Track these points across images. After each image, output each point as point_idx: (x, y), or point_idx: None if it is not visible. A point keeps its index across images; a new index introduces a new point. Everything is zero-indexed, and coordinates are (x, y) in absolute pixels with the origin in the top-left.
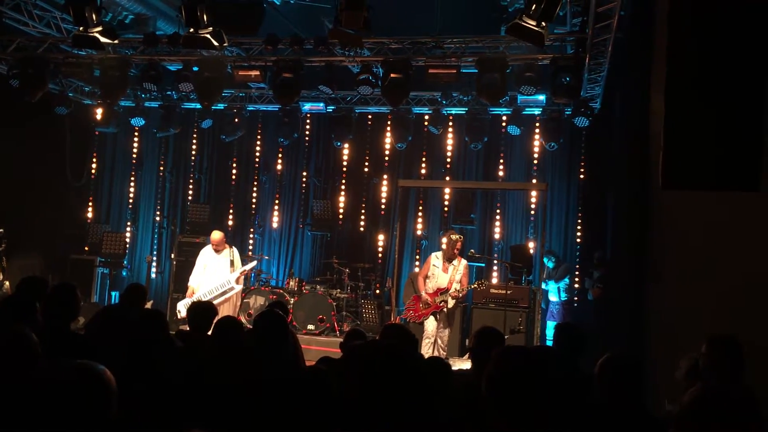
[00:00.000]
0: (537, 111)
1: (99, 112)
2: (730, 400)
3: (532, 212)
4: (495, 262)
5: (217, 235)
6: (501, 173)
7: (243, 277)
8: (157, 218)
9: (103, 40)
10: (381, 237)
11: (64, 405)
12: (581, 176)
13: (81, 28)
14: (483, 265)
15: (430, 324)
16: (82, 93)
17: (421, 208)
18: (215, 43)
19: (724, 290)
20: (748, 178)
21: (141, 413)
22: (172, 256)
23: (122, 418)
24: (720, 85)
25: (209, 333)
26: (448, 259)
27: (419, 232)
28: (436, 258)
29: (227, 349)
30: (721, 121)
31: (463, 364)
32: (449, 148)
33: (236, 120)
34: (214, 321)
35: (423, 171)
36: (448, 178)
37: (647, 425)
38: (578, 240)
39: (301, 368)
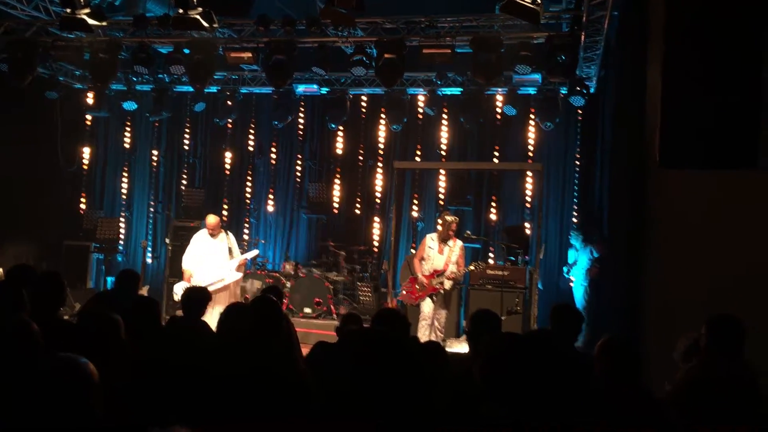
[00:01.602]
0: (532, 90)
1: (90, 97)
2: (727, 376)
3: (528, 193)
4: (491, 243)
5: (212, 219)
6: (497, 154)
7: (243, 265)
8: (152, 203)
9: (91, 22)
10: (377, 219)
11: (45, 398)
12: (577, 156)
13: (68, 10)
14: (479, 246)
15: (427, 306)
16: (72, 77)
17: (416, 190)
18: (205, 24)
19: (722, 270)
20: (745, 155)
21: (128, 406)
22: (167, 240)
23: (108, 411)
24: (717, 63)
25: (203, 318)
26: (444, 240)
27: (415, 215)
28: (431, 240)
29: (229, 336)
30: (718, 99)
31: (460, 345)
32: (444, 129)
33: (229, 103)
34: (210, 306)
35: (418, 153)
36: (443, 161)
37: (647, 405)
38: (574, 220)
39: (292, 356)
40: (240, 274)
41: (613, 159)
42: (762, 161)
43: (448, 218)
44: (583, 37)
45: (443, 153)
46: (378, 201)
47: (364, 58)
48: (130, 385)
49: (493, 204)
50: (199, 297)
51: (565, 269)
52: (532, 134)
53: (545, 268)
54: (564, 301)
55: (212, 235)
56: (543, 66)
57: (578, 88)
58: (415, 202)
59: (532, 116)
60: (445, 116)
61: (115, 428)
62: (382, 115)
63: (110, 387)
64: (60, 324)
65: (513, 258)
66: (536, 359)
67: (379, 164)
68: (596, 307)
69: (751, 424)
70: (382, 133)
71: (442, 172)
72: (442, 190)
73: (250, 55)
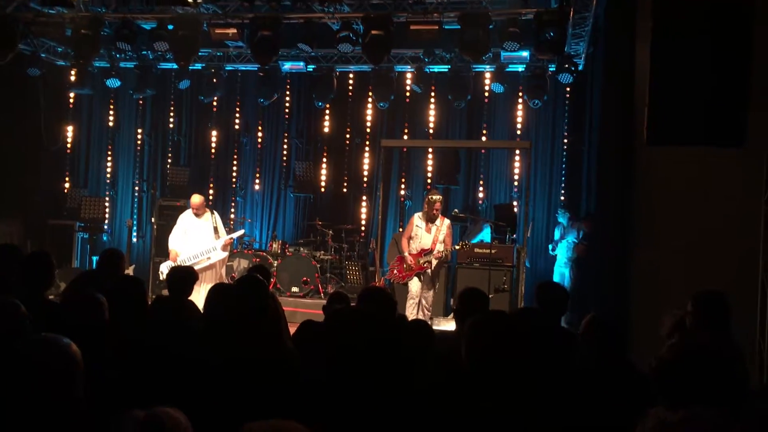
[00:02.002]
0: (520, 68)
1: (73, 74)
2: (712, 350)
3: (516, 171)
4: (479, 221)
5: (196, 199)
6: (485, 132)
7: (229, 245)
8: (137, 182)
9: None
10: (364, 198)
11: (26, 379)
12: (565, 134)
13: None
14: (467, 224)
15: (414, 285)
16: (54, 54)
17: (404, 168)
18: (189, 0)
19: (709, 247)
20: (733, 134)
21: (111, 388)
22: (153, 219)
23: (90, 393)
24: (707, 41)
25: (189, 298)
26: (430, 219)
27: (403, 193)
28: (418, 218)
29: (215, 318)
30: (707, 76)
31: (448, 324)
32: (432, 107)
33: (214, 80)
34: (197, 285)
35: (406, 131)
36: (431, 139)
37: (634, 382)
38: (562, 198)
39: (281, 337)
40: (226, 254)
41: (601, 136)
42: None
43: (432, 197)
44: (571, 12)
45: (431, 131)
46: (365, 179)
47: (351, 35)
48: (114, 366)
49: (481, 182)
50: (185, 276)
51: (550, 246)
52: (520, 112)
53: (533, 246)
54: (549, 279)
55: (197, 215)
56: (531, 43)
57: (566, 66)
58: (403, 180)
59: (520, 94)
60: (432, 94)
61: (96, 410)
62: (370, 93)
63: (93, 368)
64: (47, 304)
65: (499, 236)
66: (522, 339)
67: (367, 143)
68: (582, 285)
69: (736, 400)
70: (369, 111)
71: (430, 150)
72: (429, 168)
73: (235, 31)
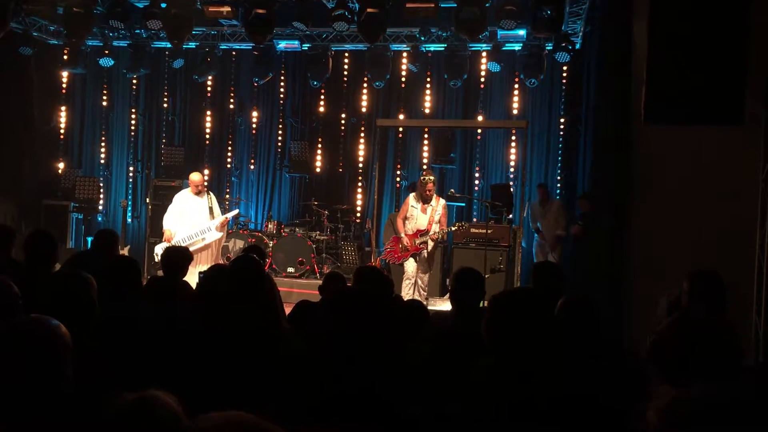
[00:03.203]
0: (517, 46)
1: (65, 53)
2: (707, 327)
3: (512, 151)
4: (475, 201)
5: (196, 176)
6: (481, 112)
7: (225, 225)
8: (131, 162)
9: None
10: (360, 178)
11: (12, 361)
12: (562, 113)
13: None
14: (463, 204)
15: (410, 265)
16: (47, 32)
17: (400, 148)
18: None
19: (706, 226)
20: (731, 112)
21: (102, 370)
22: (148, 200)
23: (82, 375)
24: (704, 20)
25: (184, 279)
26: (424, 200)
27: (398, 173)
28: (413, 199)
29: (209, 297)
30: (705, 54)
31: (443, 304)
32: (428, 87)
33: (208, 59)
34: (192, 266)
35: (401, 111)
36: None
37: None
38: (559, 178)
39: (276, 316)
40: (221, 234)
41: (597, 115)
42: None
43: (424, 179)
44: None
45: (427, 110)
46: (361, 160)
47: (346, 13)
48: (107, 347)
49: (477, 162)
50: (180, 257)
51: (539, 224)
52: (516, 91)
53: (529, 227)
54: (546, 260)
55: (197, 194)
56: (528, 21)
57: (563, 44)
58: (399, 160)
59: (516, 73)
60: (428, 73)
61: (86, 391)
62: (365, 73)
63: (83, 350)
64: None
65: (496, 216)
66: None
67: (362, 122)
68: (578, 266)
69: (733, 376)
70: (365, 91)
71: (426, 129)
72: (425, 148)
73: (229, 9)
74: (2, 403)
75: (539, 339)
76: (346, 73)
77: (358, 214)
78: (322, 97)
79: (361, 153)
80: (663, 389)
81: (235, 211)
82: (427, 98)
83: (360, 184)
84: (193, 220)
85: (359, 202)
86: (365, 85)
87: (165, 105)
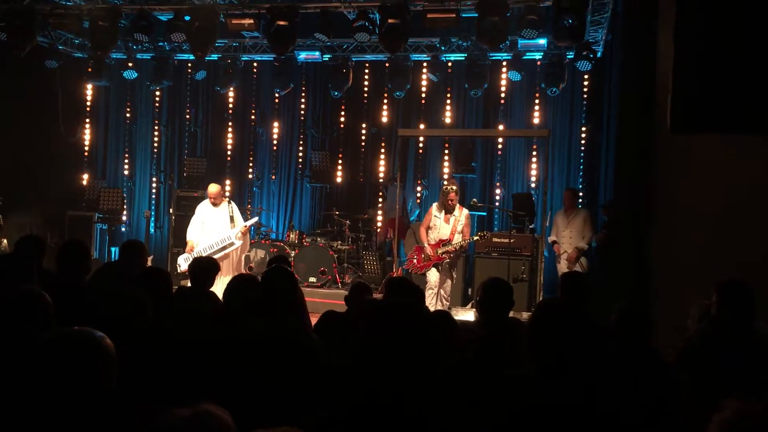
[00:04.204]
0: (538, 55)
1: (90, 65)
2: (737, 335)
3: (534, 160)
4: (496, 211)
5: (213, 188)
6: (502, 121)
7: (246, 233)
8: (154, 173)
9: None
10: (380, 189)
11: (59, 374)
12: (583, 122)
13: None
14: (485, 214)
15: (433, 275)
16: (72, 45)
17: (421, 158)
18: None
19: (731, 236)
20: (758, 121)
21: (142, 380)
22: (171, 210)
23: (122, 387)
24: (731, 26)
25: (211, 288)
26: (447, 210)
27: (419, 183)
28: (436, 209)
29: (239, 306)
30: (731, 62)
31: (466, 313)
32: (448, 96)
33: (230, 71)
34: (217, 276)
35: (422, 120)
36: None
37: (661, 371)
38: (581, 187)
39: (306, 325)
40: (241, 242)
41: (619, 124)
42: None
43: (446, 188)
44: None
45: (447, 120)
46: (382, 170)
47: (367, 24)
48: (144, 358)
49: (498, 172)
50: (208, 267)
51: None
52: (537, 100)
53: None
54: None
55: (214, 204)
56: (550, 30)
57: (585, 53)
58: (419, 170)
59: (537, 82)
60: (449, 84)
61: (128, 404)
62: (386, 83)
63: (127, 362)
64: (88, 292)
65: (518, 225)
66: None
67: (383, 133)
68: (602, 275)
69: (761, 386)
70: (385, 101)
71: (447, 141)
72: (446, 158)
73: (251, 21)
74: (48, 414)
75: (586, 351)
76: (366, 83)
77: (379, 224)
78: (343, 107)
79: (382, 163)
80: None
81: (255, 219)
82: (448, 108)
83: (380, 194)
84: (215, 230)
85: (380, 212)
86: (386, 95)
87: (187, 117)
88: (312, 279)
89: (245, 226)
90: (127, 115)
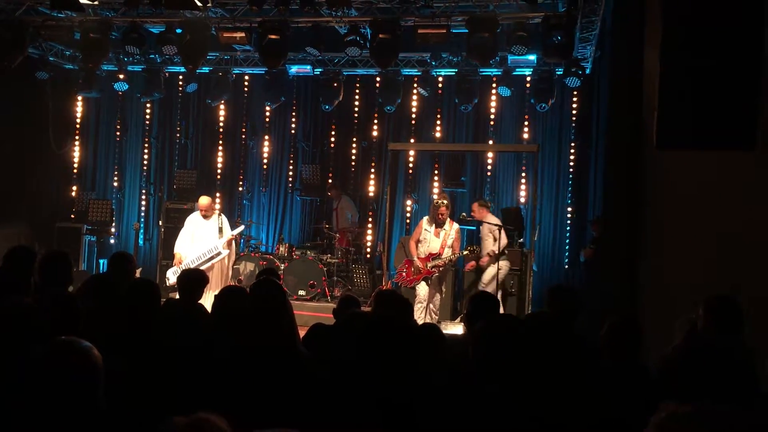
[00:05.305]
0: (527, 71)
1: (81, 77)
2: (720, 348)
3: (523, 175)
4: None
5: (204, 200)
6: (491, 136)
7: (232, 242)
8: (144, 185)
9: (82, 0)
10: (371, 202)
11: (47, 385)
12: (572, 137)
13: None
14: (474, 228)
15: (422, 289)
16: (62, 57)
17: (411, 172)
18: (198, 4)
19: (720, 252)
20: (744, 137)
21: (131, 392)
22: (160, 223)
23: (112, 398)
24: (716, 44)
25: (200, 301)
26: (437, 224)
27: (409, 197)
28: (426, 222)
29: (229, 318)
30: (717, 80)
31: (455, 327)
32: (438, 111)
33: (221, 84)
34: (205, 289)
35: (413, 134)
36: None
37: (649, 385)
38: (569, 202)
39: (296, 337)
40: (228, 251)
41: (608, 140)
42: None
43: (436, 202)
44: (579, 17)
45: (438, 135)
46: (372, 183)
47: (359, 39)
48: (132, 368)
49: (488, 187)
50: (196, 279)
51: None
52: (526, 116)
53: (540, 250)
54: (560, 283)
55: (205, 217)
56: (539, 46)
57: (574, 69)
58: (410, 184)
59: (527, 97)
60: (439, 97)
61: (118, 415)
62: (376, 97)
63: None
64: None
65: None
66: (529, 342)
67: (373, 147)
68: (591, 289)
69: (744, 399)
70: (376, 115)
71: (437, 156)
72: (436, 173)
73: (243, 35)
74: (41, 424)
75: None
76: (357, 98)
77: (369, 238)
78: (334, 121)
79: (372, 175)
80: (664, 404)
81: (241, 228)
82: (438, 123)
83: (370, 208)
84: (204, 242)
85: (370, 225)
86: (376, 109)
87: (178, 129)
88: (301, 292)
89: (232, 235)
90: (117, 126)
